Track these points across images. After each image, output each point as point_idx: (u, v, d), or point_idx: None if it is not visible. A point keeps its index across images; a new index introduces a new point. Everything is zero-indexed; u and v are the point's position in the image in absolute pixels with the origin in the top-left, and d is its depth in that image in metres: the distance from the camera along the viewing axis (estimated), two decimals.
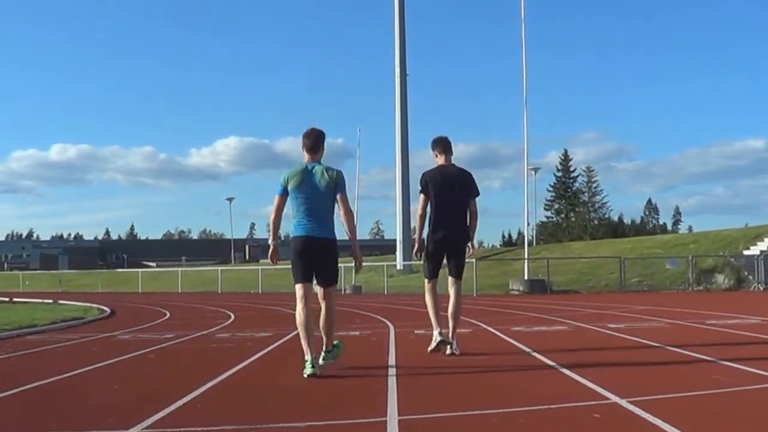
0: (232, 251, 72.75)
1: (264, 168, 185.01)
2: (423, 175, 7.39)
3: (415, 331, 10.43)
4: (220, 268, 48.61)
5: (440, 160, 7.42)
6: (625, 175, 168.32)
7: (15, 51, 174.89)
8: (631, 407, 4.35)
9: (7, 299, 26.90)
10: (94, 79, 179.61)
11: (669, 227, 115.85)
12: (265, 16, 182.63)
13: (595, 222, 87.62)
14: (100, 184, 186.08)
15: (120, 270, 66.28)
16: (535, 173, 47.66)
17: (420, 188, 7.35)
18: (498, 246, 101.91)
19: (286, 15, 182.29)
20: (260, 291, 35.67)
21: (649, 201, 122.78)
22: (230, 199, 64.99)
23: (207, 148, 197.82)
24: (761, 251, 30.17)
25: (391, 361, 7.02)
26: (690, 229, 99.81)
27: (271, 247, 6.34)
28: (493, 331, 10.12)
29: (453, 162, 7.47)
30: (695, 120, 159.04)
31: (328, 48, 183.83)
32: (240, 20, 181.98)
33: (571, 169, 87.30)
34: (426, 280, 7.41)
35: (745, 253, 30.78)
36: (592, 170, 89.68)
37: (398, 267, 41.30)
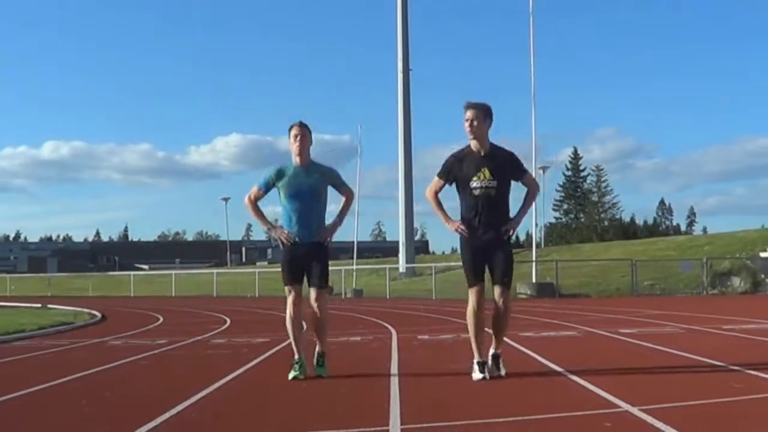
0: (228, 253, 72.78)
1: (267, 167, 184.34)
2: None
3: (419, 337, 10.45)
4: (215, 271, 48.64)
5: None
6: (643, 173, 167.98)
7: (5, 45, 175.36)
8: (643, 415, 4.35)
9: None
10: (87, 74, 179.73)
11: (683, 228, 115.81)
12: (268, 11, 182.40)
13: (605, 223, 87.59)
14: (95, 183, 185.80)
15: (111, 273, 66.33)
16: (544, 172, 47.69)
17: None
18: None
19: (289, 9, 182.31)
20: (257, 295, 35.70)
21: (662, 201, 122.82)
22: (226, 199, 65.06)
23: (206, 146, 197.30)
24: None
25: (394, 368, 7.02)
26: (704, 230, 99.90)
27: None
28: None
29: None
30: (718, 115, 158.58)
31: (333, 43, 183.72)
32: (242, 15, 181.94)
33: (581, 168, 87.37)
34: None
35: (762, 255, 30.70)
36: (602, 169, 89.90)
37: (401, 270, 41.31)
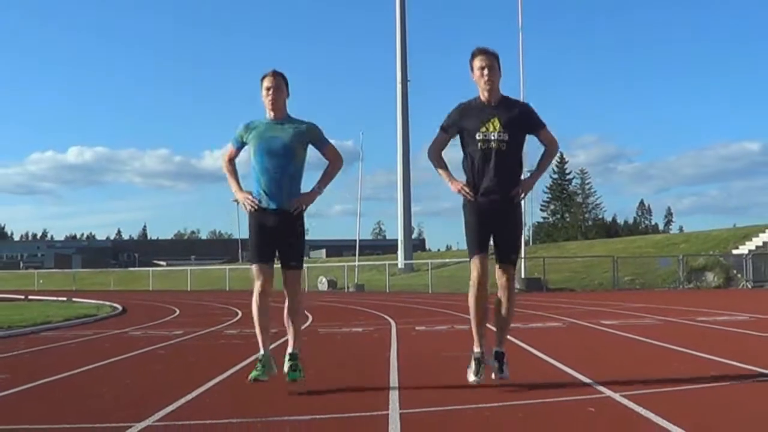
0: (240, 250, 72.71)
1: None
2: None
3: (416, 328, 10.44)
4: (227, 267, 48.60)
5: None
6: (624, 176, 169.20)
7: (31, 54, 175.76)
8: (625, 401, 4.34)
9: (22, 297, 26.98)
10: (109, 83, 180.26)
11: (661, 227, 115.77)
12: (277, 21, 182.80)
13: (589, 222, 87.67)
14: (117, 186, 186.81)
15: (131, 269, 66.28)
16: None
17: None
18: None
19: (297, 22, 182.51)
20: None
21: (642, 202, 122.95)
22: (237, 201, 65.02)
23: (219, 151, 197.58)
24: (749, 251, 30.19)
25: (393, 356, 7.01)
26: (681, 229, 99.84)
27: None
28: (490, 327, 10.09)
29: None
30: (694, 123, 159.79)
31: (339, 55, 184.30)
32: (249, 24, 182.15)
33: (567, 171, 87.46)
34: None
35: (734, 252, 30.78)
36: (586, 172, 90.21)
37: (400, 266, 41.35)
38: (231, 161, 5.37)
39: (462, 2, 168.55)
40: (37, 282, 50.40)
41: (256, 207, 5.06)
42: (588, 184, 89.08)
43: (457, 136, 5.17)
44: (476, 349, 5.10)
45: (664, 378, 5.27)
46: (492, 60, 5.02)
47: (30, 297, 27.52)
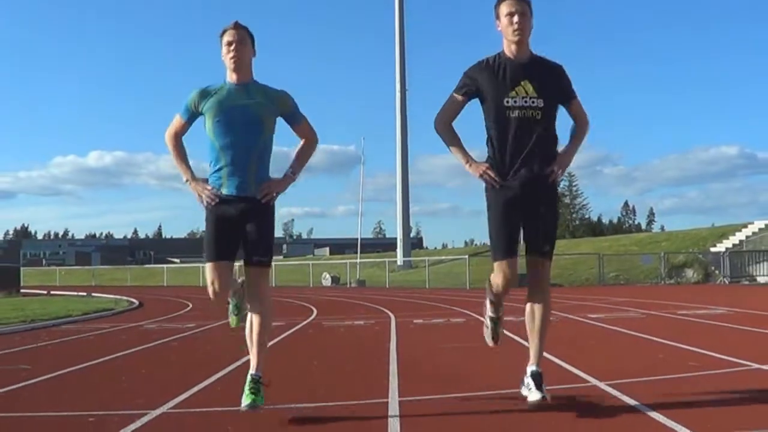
0: None
1: (280, 174, 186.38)
2: None
3: (414, 321, 10.43)
4: (237, 264, 48.48)
5: None
6: (610, 179, 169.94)
7: (54, 61, 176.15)
8: (610, 389, 4.34)
9: (45, 292, 26.98)
10: (126, 90, 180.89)
11: (644, 226, 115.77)
12: (283, 29, 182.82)
13: (577, 222, 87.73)
14: (134, 188, 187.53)
15: (147, 266, 66.25)
16: None
17: None
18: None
19: (303, 33, 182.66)
20: (274, 284, 35.67)
21: (626, 203, 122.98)
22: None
23: None
24: (726, 248, 30.19)
25: (393, 347, 7.01)
26: (662, 228, 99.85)
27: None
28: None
29: None
30: (676, 128, 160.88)
31: (342, 64, 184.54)
32: (256, 31, 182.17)
33: None
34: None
35: (712, 250, 30.76)
36: (573, 175, 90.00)
37: (399, 263, 41.37)
38: (177, 137, 4.00)
39: (457, 6, 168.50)
40: (60, 275, 50.44)
41: (215, 201, 3.84)
42: (575, 186, 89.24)
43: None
44: (491, 313, 4.18)
45: (648, 367, 5.26)
46: (524, 6, 3.81)
47: (52, 292, 27.51)
